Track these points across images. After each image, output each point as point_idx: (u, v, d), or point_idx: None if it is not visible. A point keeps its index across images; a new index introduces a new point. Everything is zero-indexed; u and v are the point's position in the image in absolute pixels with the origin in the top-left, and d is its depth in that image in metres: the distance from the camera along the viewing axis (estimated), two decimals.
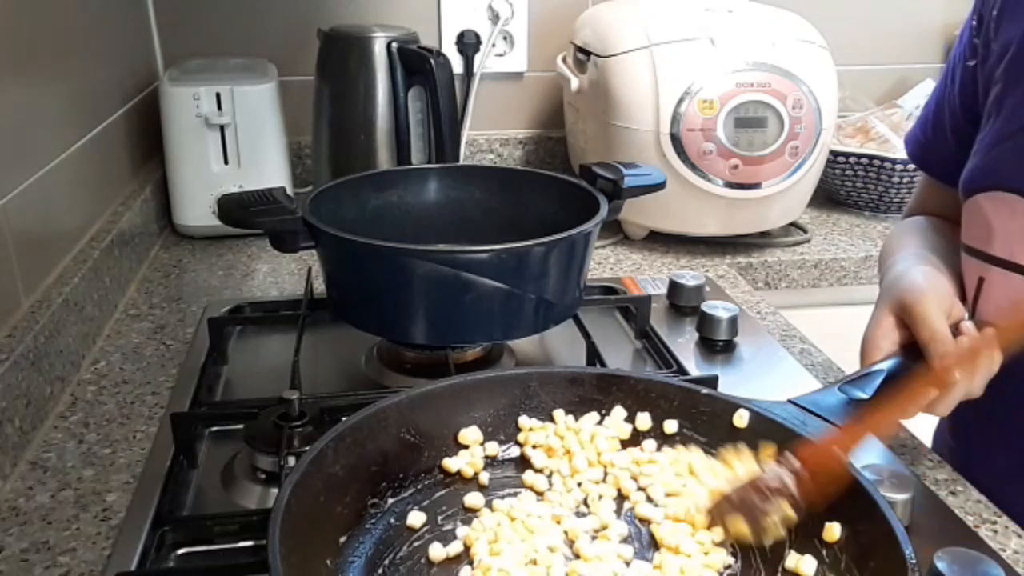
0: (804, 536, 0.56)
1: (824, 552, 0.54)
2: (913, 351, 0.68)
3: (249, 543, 0.61)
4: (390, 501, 0.58)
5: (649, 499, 0.61)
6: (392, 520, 0.58)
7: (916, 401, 0.66)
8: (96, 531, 0.65)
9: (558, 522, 0.58)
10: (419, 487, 0.61)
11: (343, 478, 0.55)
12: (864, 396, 0.63)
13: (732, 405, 0.63)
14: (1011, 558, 0.62)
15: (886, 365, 0.67)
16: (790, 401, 0.63)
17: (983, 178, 0.75)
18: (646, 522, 0.59)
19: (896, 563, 0.47)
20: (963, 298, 0.76)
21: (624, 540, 0.57)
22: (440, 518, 0.58)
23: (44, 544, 0.63)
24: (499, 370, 0.67)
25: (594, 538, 0.57)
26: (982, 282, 0.74)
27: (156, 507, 0.64)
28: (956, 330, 0.69)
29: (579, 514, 0.60)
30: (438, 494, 0.61)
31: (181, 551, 0.62)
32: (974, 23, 0.80)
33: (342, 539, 0.54)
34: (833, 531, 0.54)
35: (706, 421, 0.63)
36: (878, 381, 0.65)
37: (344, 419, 0.58)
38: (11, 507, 0.67)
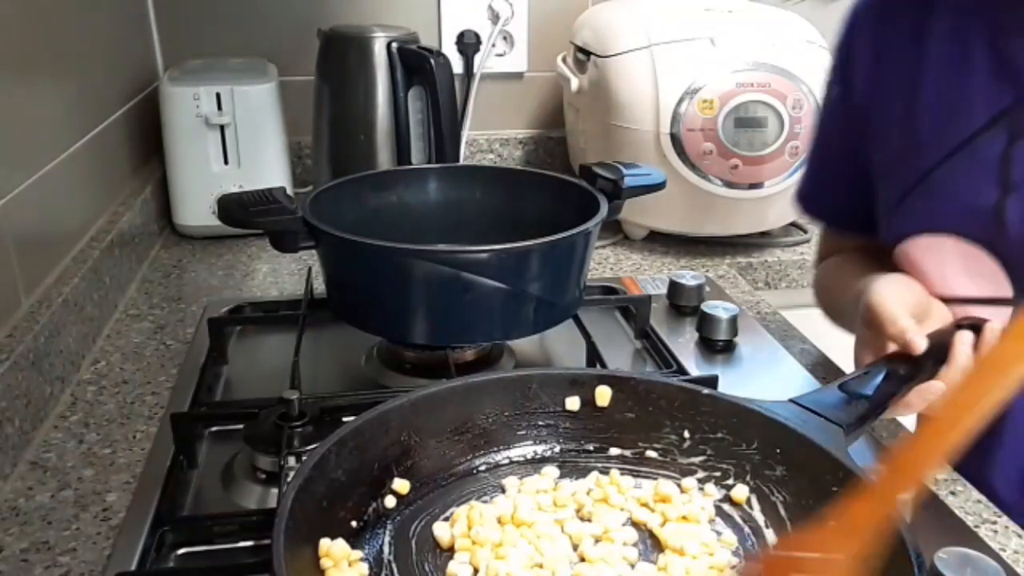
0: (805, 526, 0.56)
1: None
2: (901, 355, 0.68)
3: (249, 543, 0.61)
4: (391, 506, 0.58)
5: (643, 504, 0.61)
6: (394, 525, 0.57)
7: (920, 394, 0.65)
8: (96, 531, 0.65)
9: (561, 526, 0.58)
10: (421, 491, 0.60)
11: (345, 483, 0.55)
12: (864, 394, 0.63)
13: (733, 405, 0.62)
14: (1011, 558, 0.62)
15: (885, 364, 0.67)
16: (791, 400, 0.63)
17: (899, 231, 0.76)
18: (645, 525, 0.59)
19: (900, 561, 0.47)
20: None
21: (627, 543, 0.57)
22: (443, 522, 0.58)
23: (44, 544, 0.63)
24: (500, 371, 0.67)
25: (598, 540, 0.57)
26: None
27: (156, 507, 0.64)
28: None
29: (582, 518, 0.59)
30: (440, 498, 0.60)
31: (181, 551, 0.62)
32: (839, 88, 0.82)
33: None
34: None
35: (708, 424, 0.63)
36: (878, 379, 0.65)
37: (345, 423, 0.58)
38: (11, 507, 0.67)
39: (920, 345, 0.64)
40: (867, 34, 0.79)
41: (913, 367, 0.66)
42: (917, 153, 0.75)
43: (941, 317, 0.71)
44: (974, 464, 0.77)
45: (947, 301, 0.73)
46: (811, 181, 0.91)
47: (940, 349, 0.67)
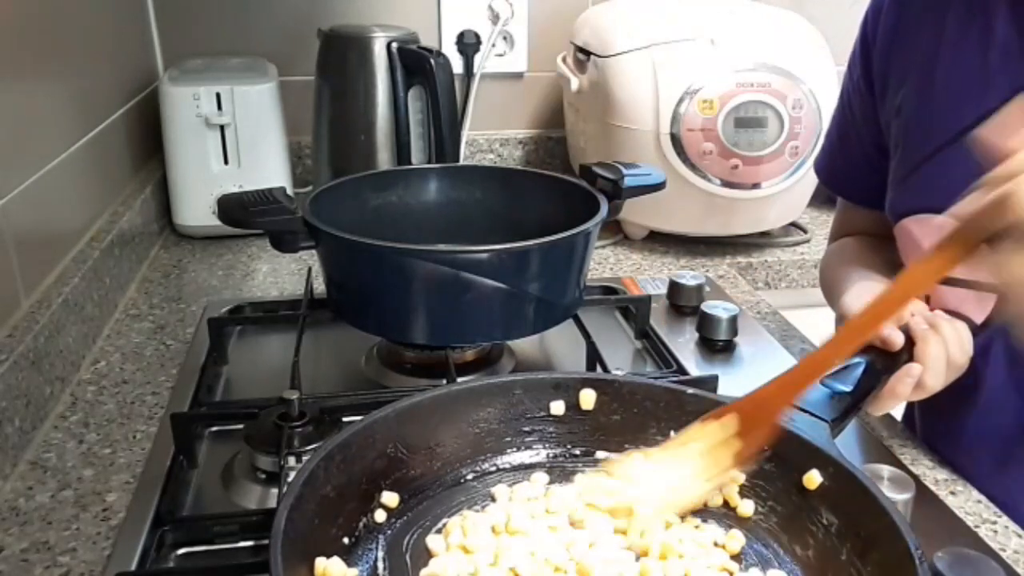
0: (797, 522, 0.56)
1: (822, 540, 0.54)
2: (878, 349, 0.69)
3: (249, 543, 0.61)
4: (382, 520, 0.57)
5: None
6: (386, 540, 0.57)
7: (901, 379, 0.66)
8: (96, 531, 0.65)
9: (555, 533, 0.58)
10: (410, 504, 0.59)
11: (335, 499, 0.55)
12: (846, 389, 0.64)
13: (718, 404, 0.62)
14: (1011, 558, 0.62)
15: (863, 358, 0.67)
16: None
17: (905, 204, 0.77)
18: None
19: (899, 554, 0.47)
20: None
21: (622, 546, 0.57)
22: (435, 534, 0.57)
23: (44, 544, 0.63)
24: (484, 378, 0.66)
25: (592, 546, 0.56)
26: (928, 299, 0.76)
27: (156, 507, 0.64)
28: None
29: (574, 524, 0.59)
30: (430, 510, 0.59)
31: (181, 551, 0.62)
32: (861, 58, 0.83)
33: None
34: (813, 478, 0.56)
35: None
36: (858, 373, 0.65)
37: (344, 424, 0.58)
38: (11, 507, 0.67)
39: (898, 340, 0.67)
40: (890, 7, 0.80)
41: (890, 359, 0.67)
42: (931, 128, 0.75)
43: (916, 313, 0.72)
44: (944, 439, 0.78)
45: (940, 280, 0.74)
46: (830, 153, 0.92)
47: (911, 338, 0.69)
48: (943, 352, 0.67)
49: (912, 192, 0.77)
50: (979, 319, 0.73)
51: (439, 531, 0.58)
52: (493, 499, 0.61)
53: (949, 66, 0.74)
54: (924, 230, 0.75)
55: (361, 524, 0.56)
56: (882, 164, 0.82)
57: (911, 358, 0.68)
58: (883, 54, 0.80)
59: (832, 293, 0.85)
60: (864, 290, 0.75)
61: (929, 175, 0.75)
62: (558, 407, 0.65)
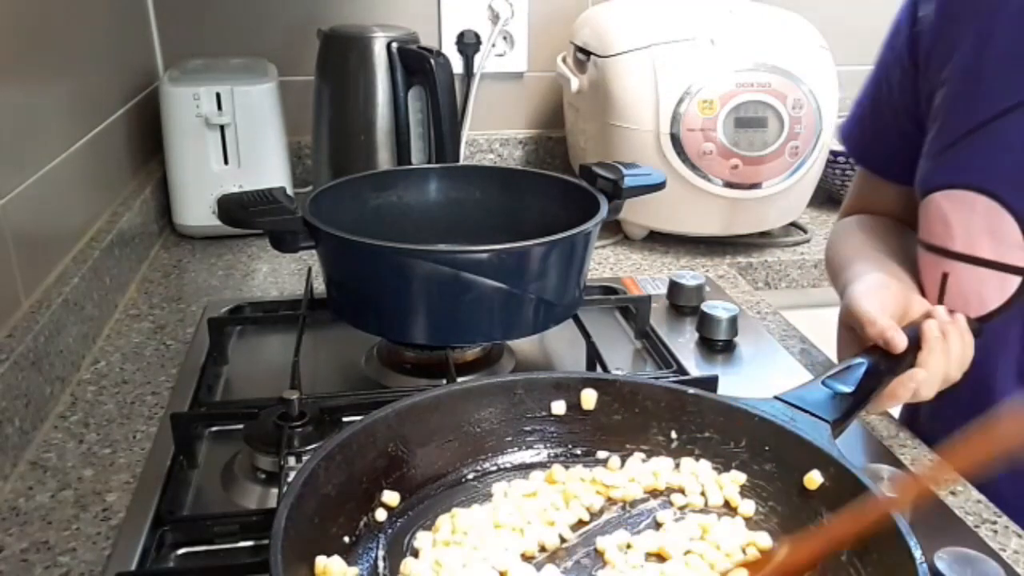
0: (797, 522, 0.56)
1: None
2: (882, 349, 0.69)
3: (249, 543, 0.61)
4: (382, 519, 0.57)
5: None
6: (387, 539, 0.56)
7: (904, 383, 0.66)
8: (96, 531, 0.65)
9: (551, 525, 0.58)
10: (411, 503, 0.59)
11: (335, 498, 0.54)
12: (847, 390, 0.64)
13: (719, 405, 0.62)
14: (1011, 558, 0.62)
15: (866, 358, 0.67)
16: (776, 398, 0.63)
17: (939, 178, 0.76)
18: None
19: (900, 555, 0.47)
20: (923, 294, 0.78)
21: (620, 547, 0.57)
22: (424, 531, 0.57)
23: (44, 544, 0.63)
24: (485, 378, 0.66)
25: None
26: (946, 277, 0.75)
27: (156, 507, 0.64)
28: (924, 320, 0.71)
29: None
30: (431, 509, 0.59)
31: (181, 551, 0.62)
32: (908, 31, 0.82)
33: None
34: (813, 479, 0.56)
35: (695, 424, 0.63)
36: (860, 373, 0.65)
37: (343, 425, 0.57)
38: (11, 507, 0.67)
39: (900, 343, 0.66)
40: None
41: (894, 361, 0.67)
42: (978, 101, 0.74)
43: (920, 310, 0.72)
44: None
45: (963, 259, 0.74)
46: (859, 122, 0.91)
47: (919, 340, 0.69)
48: (943, 366, 0.68)
49: (949, 166, 0.75)
50: (998, 302, 0.73)
51: (436, 528, 0.57)
52: (493, 498, 0.61)
53: (1004, 40, 0.73)
54: (953, 206, 0.74)
55: (362, 523, 0.56)
56: (915, 137, 0.80)
57: (915, 360, 0.67)
58: (936, 26, 0.78)
59: (839, 270, 0.84)
60: (874, 284, 0.74)
61: (969, 149, 0.74)
62: (559, 407, 0.65)
